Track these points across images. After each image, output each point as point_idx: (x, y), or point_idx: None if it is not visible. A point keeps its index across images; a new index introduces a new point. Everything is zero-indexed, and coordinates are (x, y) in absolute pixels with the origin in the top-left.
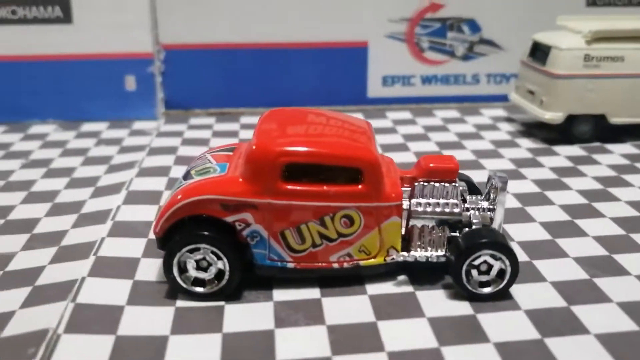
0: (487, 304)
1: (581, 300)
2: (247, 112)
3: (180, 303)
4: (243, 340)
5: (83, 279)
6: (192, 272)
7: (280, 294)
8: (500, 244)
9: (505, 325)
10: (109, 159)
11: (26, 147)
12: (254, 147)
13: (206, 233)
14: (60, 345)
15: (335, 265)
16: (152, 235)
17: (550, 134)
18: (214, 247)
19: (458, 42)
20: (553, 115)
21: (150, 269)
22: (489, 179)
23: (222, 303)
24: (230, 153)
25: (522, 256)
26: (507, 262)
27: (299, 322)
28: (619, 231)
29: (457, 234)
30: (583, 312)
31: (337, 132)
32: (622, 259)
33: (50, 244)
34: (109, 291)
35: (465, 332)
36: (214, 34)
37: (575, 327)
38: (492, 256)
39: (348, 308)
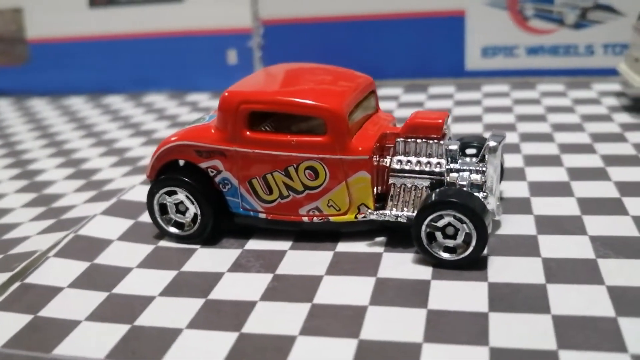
0: (451, 272)
1: (563, 279)
2: None
3: (162, 243)
4: (190, 278)
5: (94, 215)
6: (172, 215)
7: (254, 244)
8: (463, 206)
9: (454, 295)
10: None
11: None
12: (224, 94)
13: (180, 177)
14: (45, 265)
15: (305, 219)
16: None
17: None
18: (186, 191)
19: (568, 8)
20: None
21: None
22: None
23: (196, 246)
24: None
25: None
26: (471, 226)
27: (251, 269)
28: None
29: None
30: (556, 292)
31: (315, 84)
32: None
33: (95, 188)
34: (109, 228)
35: (406, 296)
36: (310, 7)
37: (535, 306)
38: (457, 218)
39: (304, 262)
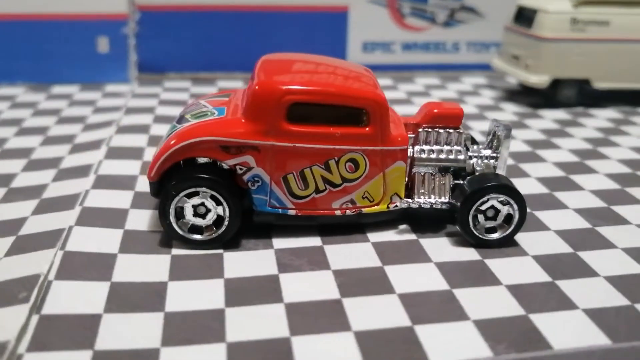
0: (493, 251)
1: (587, 247)
2: (223, 77)
3: (176, 251)
4: (246, 284)
5: (70, 227)
6: (190, 218)
7: (280, 242)
8: (508, 187)
9: (515, 270)
10: (84, 119)
11: None
12: (256, 86)
13: (206, 176)
14: (53, 291)
15: (338, 212)
16: (139, 188)
17: (534, 99)
18: (214, 190)
19: (439, 8)
20: (539, 79)
21: (141, 219)
22: (492, 127)
23: (220, 251)
24: (226, 99)
25: None
26: (515, 207)
27: (302, 267)
28: (615, 185)
29: (461, 182)
30: (590, 257)
31: (342, 75)
32: (621, 210)
33: (30, 197)
34: (99, 239)
35: (475, 276)
36: None
37: (584, 271)
38: (500, 201)
39: (351, 254)
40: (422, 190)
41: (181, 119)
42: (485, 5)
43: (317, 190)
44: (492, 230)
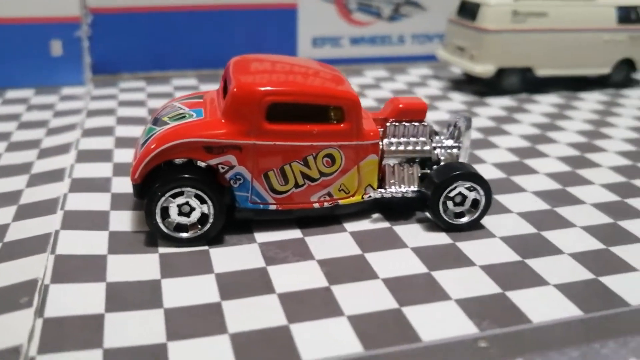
0: (463, 234)
1: (549, 227)
2: (176, 75)
3: (163, 250)
4: (237, 277)
5: (57, 231)
6: (175, 217)
7: (263, 236)
8: (474, 175)
9: (486, 251)
10: (46, 123)
11: None
12: (235, 89)
13: (191, 175)
14: (51, 295)
15: (316, 205)
16: (115, 190)
17: (479, 88)
18: (198, 190)
19: (384, 2)
20: (484, 69)
21: (124, 220)
22: (452, 119)
23: (205, 247)
24: (200, 100)
25: None
26: (482, 192)
27: (288, 259)
28: (566, 168)
29: (428, 171)
30: (553, 236)
31: (314, 74)
32: (575, 190)
33: (7, 204)
34: (86, 242)
35: (451, 258)
36: None
37: (550, 249)
38: (467, 187)
39: (333, 244)
40: (393, 181)
41: (157, 121)
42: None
43: (297, 185)
44: (460, 215)
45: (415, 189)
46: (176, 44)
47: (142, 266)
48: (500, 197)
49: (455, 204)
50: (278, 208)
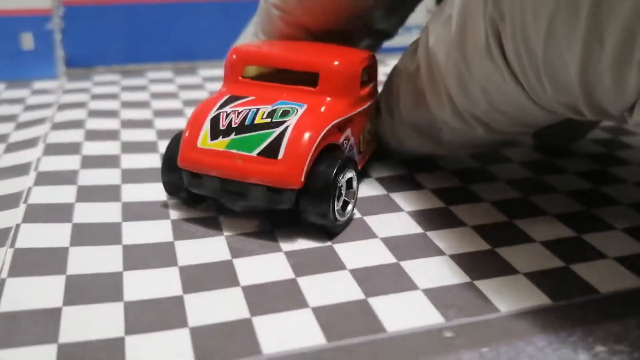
0: (433, 224)
1: (520, 215)
2: (152, 68)
3: (127, 241)
4: (202, 270)
5: (18, 225)
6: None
7: (230, 229)
8: None
9: (457, 240)
10: (15, 117)
11: None
12: (337, 67)
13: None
14: (7, 289)
15: (367, 157)
16: (81, 182)
17: None
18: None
19: None
20: None
21: (88, 212)
22: None
23: (171, 240)
24: (249, 98)
25: None
26: None
27: (255, 251)
28: (540, 157)
29: None
30: (524, 224)
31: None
32: (548, 179)
33: None
34: (48, 235)
35: (420, 248)
36: None
37: (520, 238)
38: None
39: (301, 236)
40: None
41: (248, 128)
42: None
43: (366, 143)
44: None
45: None
46: (151, 37)
47: (104, 259)
48: (474, 187)
49: None
50: (359, 168)
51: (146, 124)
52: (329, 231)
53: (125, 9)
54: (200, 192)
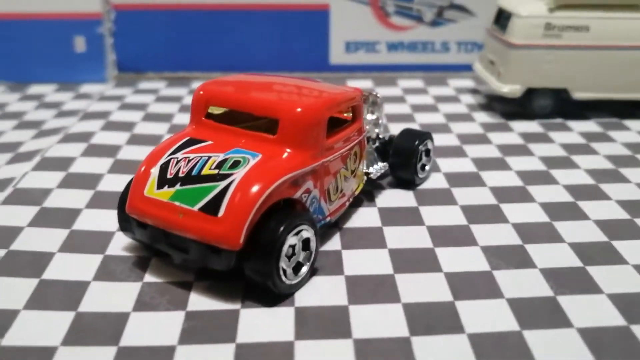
0: (441, 241)
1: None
2: (202, 77)
3: (110, 252)
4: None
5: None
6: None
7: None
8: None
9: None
10: (40, 124)
11: None
12: (300, 113)
13: (304, 215)
14: None
15: (347, 203)
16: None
17: (509, 108)
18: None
19: (426, 6)
20: (511, 88)
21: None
22: (367, 96)
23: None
24: (204, 144)
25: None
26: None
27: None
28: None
29: (375, 145)
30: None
31: (299, 86)
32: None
33: None
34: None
35: (419, 263)
36: None
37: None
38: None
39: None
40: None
41: (194, 179)
42: (475, 3)
43: (341, 190)
44: (422, 167)
45: (385, 163)
46: (202, 45)
47: (81, 268)
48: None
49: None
50: (331, 218)
51: (154, 140)
52: (274, 293)
53: (178, 14)
54: (145, 242)
